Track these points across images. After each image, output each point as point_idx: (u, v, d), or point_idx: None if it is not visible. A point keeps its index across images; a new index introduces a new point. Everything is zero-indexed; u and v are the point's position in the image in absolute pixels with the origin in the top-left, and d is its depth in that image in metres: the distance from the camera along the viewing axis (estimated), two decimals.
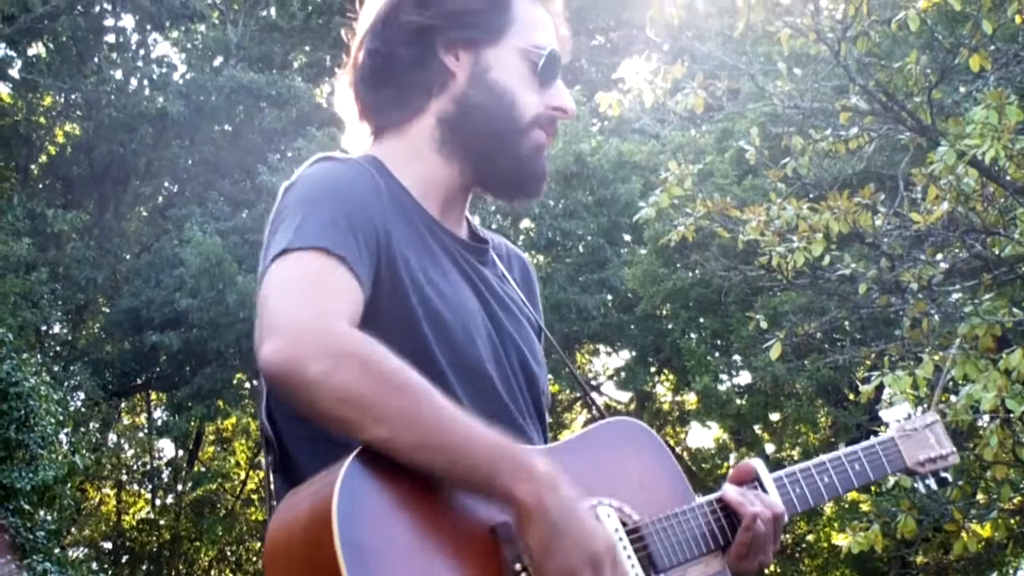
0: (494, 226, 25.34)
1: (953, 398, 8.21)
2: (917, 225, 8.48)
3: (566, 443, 2.41)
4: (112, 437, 30.06)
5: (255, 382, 24.47)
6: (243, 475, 29.75)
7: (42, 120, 29.25)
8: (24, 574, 17.16)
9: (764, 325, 10.22)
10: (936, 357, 8.13)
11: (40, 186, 29.77)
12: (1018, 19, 8.70)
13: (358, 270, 2.12)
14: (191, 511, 28.95)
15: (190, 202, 27.35)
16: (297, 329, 1.98)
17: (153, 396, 29.68)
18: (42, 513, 18.26)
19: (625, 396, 27.12)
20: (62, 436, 19.63)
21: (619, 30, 28.86)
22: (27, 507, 17.59)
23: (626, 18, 26.75)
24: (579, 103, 23.59)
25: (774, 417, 22.49)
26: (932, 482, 3.18)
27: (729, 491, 2.53)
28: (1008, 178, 8.27)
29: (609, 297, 23.93)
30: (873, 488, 17.93)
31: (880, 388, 8.71)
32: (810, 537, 23.90)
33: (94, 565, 25.83)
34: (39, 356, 22.99)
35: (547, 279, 23.76)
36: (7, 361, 17.58)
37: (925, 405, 7.82)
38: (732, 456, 25.70)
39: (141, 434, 30.79)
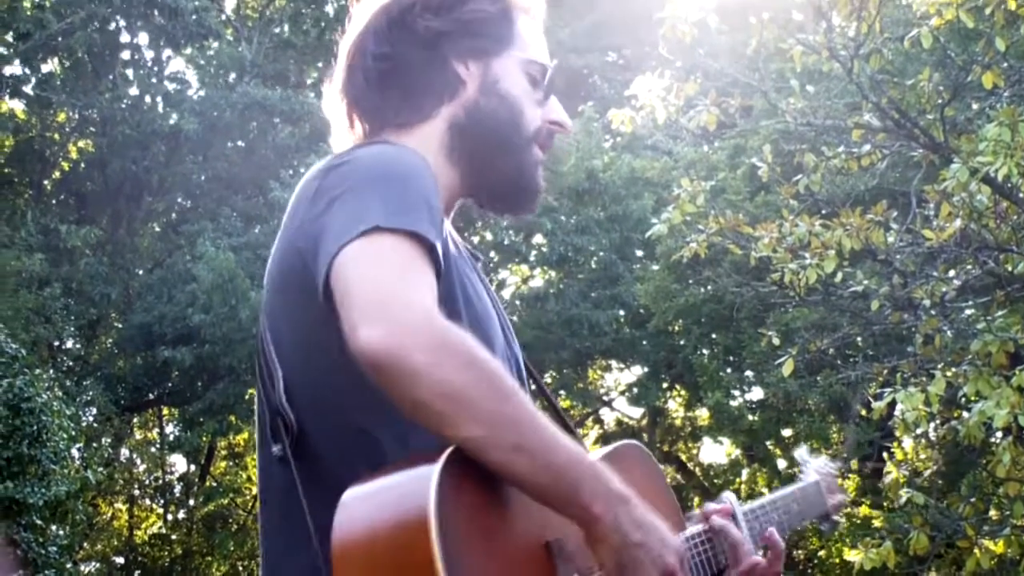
0: (506, 241, 25.38)
1: (965, 415, 8.20)
2: (930, 242, 8.48)
3: None
4: (124, 452, 30.05)
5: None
6: (255, 490, 29.67)
7: (56, 136, 29.36)
8: None
9: (776, 341, 10.25)
10: (948, 374, 8.13)
11: (53, 202, 29.84)
12: None
13: (439, 263, 2.07)
14: (203, 526, 28.94)
15: (203, 218, 27.37)
16: (402, 318, 1.92)
17: (165, 411, 29.68)
18: (54, 528, 18.28)
19: (637, 412, 27.13)
20: (74, 451, 19.67)
21: (632, 47, 28.87)
22: (39, 522, 17.62)
23: (639, 35, 26.76)
24: (592, 119, 23.65)
25: (786, 433, 22.45)
26: (826, 524, 3.24)
27: (732, 529, 2.55)
28: (1021, 195, 8.28)
29: (621, 313, 23.93)
30: (885, 504, 17.87)
31: (892, 405, 8.70)
32: (822, 553, 23.82)
33: None
34: (52, 371, 22.99)
35: (559, 295, 23.79)
36: (20, 376, 17.63)
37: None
38: (744, 472, 25.69)
39: (153, 449, 30.80)
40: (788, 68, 11.91)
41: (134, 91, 29.09)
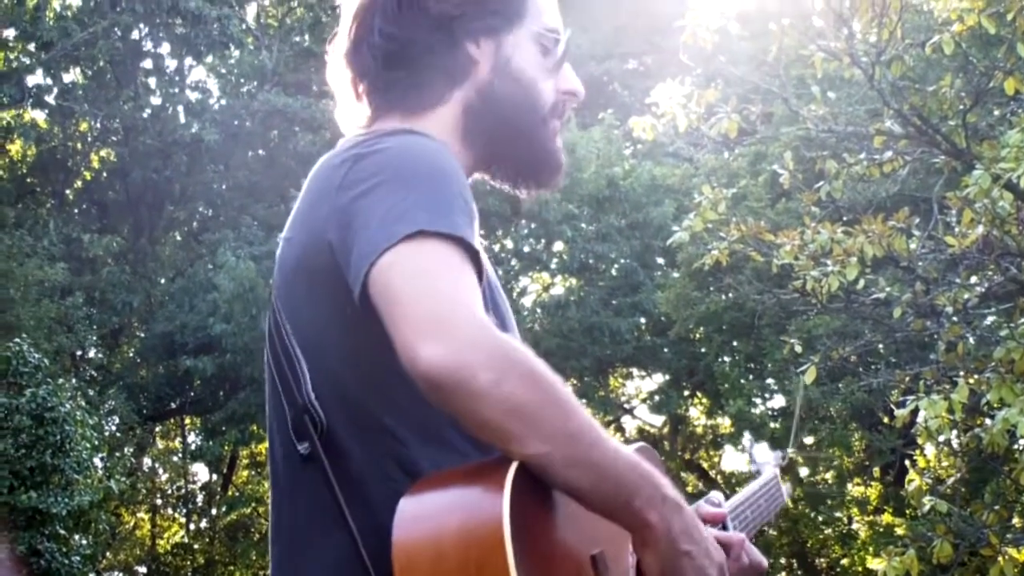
0: (526, 249, 25.36)
1: (988, 422, 8.16)
2: (952, 248, 8.44)
3: None
4: (147, 461, 30.18)
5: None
6: None
7: (78, 146, 29.52)
8: None
9: (799, 349, 10.20)
10: (971, 381, 8.09)
11: (75, 211, 30.00)
12: None
13: (481, 269, 2.02)
14: (225, 535, 29.01)
15: (224, 227, 27.47)
16: (461, 335, 1.87)
17: (187, 420, 29.77)
18: (77, 538, 18.35)
19: (659, 420, 27.09)
20: (97, 461, 19.74)
21: (652, 54, 28.91)
22: (63, 532, 17.69)
23: (659, 42, 26.76)
24: (612, 126, 23.67)
25: (808, 440, 22.41)
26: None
27: (741, 540, 2.54)
28: None
29: (642, 320, 23.94)
30: (908, 512, 17.82)
31: (915, 412, 8.67)
32: (844, 561, 23.75)
33: None
34: (74, 381, 23.05)
35: (580, 302, 23.77)
36: (43, 386, 17.71)
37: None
38: None
39: (175, 458, 30.90)
40: (809, 74, 11.90)
41: (156, 100, 29.28)
